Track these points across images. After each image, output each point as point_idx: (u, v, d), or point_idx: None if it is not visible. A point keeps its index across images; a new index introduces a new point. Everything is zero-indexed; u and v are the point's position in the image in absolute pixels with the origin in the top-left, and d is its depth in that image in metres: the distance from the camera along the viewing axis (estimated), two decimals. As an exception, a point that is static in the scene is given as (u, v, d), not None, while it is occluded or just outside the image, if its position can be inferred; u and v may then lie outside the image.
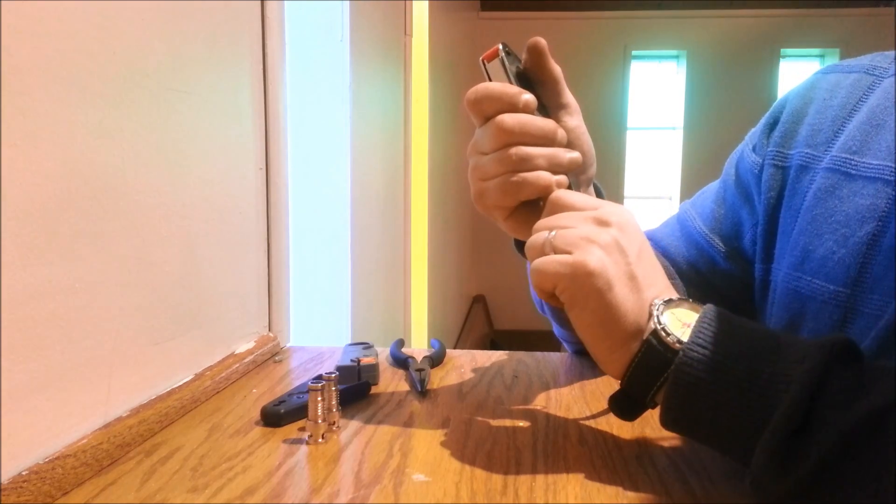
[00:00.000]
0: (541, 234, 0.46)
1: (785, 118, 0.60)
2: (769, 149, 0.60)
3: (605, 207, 0.46)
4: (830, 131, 0.55)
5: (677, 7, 4.53)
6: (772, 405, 0.36)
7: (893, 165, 0.49)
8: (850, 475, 0.33)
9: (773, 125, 0.61)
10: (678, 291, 0.47)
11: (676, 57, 4.73)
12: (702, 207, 0.68)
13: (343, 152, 1.29)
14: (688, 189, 4.58)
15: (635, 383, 0.43)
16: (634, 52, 4.65)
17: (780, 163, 0.58)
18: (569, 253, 0.44)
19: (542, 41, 0.51)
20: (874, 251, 0.48)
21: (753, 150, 0.62)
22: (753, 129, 0.64)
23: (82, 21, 0.46)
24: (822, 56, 4.68)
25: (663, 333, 0.41)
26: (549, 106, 0.52)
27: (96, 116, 0.48)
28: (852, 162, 0.52)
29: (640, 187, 4.87)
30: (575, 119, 0.52)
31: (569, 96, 0.53)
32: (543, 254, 0.45)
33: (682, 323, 0.42)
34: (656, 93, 4.78)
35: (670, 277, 0.66)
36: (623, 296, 0.43)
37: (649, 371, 0.42)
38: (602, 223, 0.45)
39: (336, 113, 1.27)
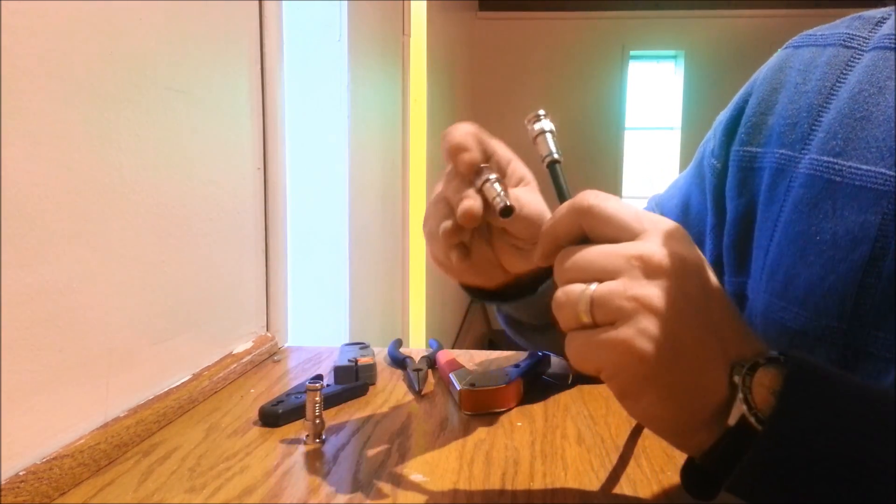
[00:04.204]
0: (575, 288, 0.34)
1: (751, 110, 0.52)
2: (735, 148, 0.52)
3: (652, 238, 0.34)
4: (807, 124, 0.47)
5: (675, 7, 4.53)
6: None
7: (889, 172, 0.41)
8: None
9: (735, 121, 0.53)
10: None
11: (674, 57, 4.73)
12: (668, 210, 0.62)
13: (341, 152, 1.29)
14: (685, 189, 4.58)
15: (717, 465, 0.33)
16: (632, 53, 4.65)
17: (749, 164, 0.51)
18: (612, 325, 0.33)
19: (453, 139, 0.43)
20: (872, 279, 0.40)
21: (712, 153, 0.55)
22: (718, 119, 0.56)
23: (82, 21, 0.46)
24: (819, 56, 4.68)
25: (755, 421, 0.31)
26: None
27: (95, 116, 0.48)
28: (836, 167, 0.44)
29: (638, 187, 4.87)
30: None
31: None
32: (580, 322, 0.34)
33: (769, 389, 0.31)
34: (654, 93, 4.78)
35: None
36: (691, 376, 0.33)
37: (736, 454, 0.32)
38: (653, 271, 0.33)
39: (334, 113, 1.27)
